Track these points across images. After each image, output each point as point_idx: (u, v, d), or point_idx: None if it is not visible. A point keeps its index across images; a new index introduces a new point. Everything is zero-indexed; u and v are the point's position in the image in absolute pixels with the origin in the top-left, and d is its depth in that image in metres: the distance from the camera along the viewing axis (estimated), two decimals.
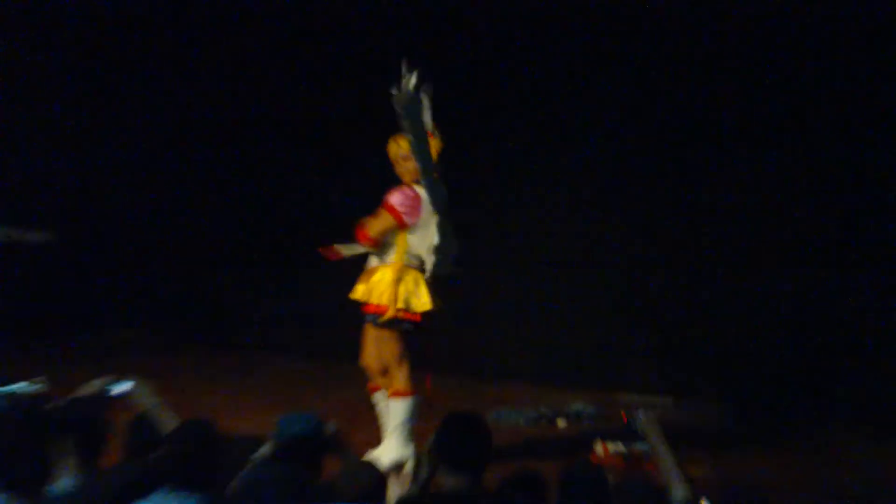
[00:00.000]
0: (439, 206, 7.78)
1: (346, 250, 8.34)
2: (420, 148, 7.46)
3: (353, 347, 9.26)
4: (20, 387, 5.08)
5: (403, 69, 7.18)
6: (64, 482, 4.11)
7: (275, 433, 5.45)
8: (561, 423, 9.88)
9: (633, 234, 10.88)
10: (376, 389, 8.42)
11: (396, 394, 8.27)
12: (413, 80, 7.15)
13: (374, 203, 8.17)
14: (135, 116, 12.87)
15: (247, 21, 12.30)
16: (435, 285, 8.17)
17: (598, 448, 8.74)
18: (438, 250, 7.96)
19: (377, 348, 8.28)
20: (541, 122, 11.09)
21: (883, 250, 10.12)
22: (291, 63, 12.10)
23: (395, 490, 6.49)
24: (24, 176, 12.41)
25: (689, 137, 10.63)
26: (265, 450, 5.47)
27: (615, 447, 8.67)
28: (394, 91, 7.11)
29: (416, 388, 8.27)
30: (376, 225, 8.05)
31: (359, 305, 8.18)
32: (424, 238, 8.05)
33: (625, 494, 4.69)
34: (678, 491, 5.31)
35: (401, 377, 8.25)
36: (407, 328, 8.14)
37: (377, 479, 5.33)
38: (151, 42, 12.78)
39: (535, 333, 10.99)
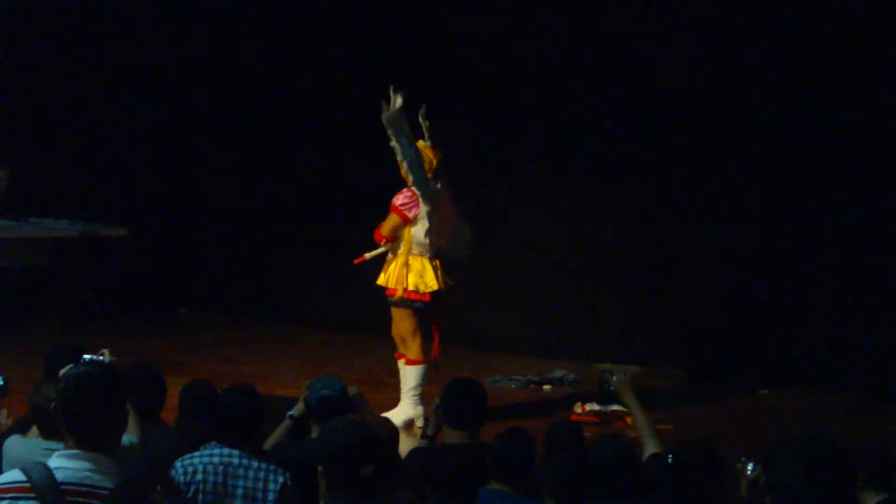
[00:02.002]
0: (427, 199, 8.18)
1: (370, 255, 8.57)
2: (405, 154, 8.03)
3: (374, 323, 9.24)
4: (94, 357, 5.01)
5: (391, 92, 7.90)
6: (125, 438, 4.06)
7: (306, 395, 5.41)
8: (546, 387, 9.84)
9: (608, 230, 10.81)
10: (401, 357, 8.49)
11: (410, 362, 8.39)
12: (398, 102, 7.88)
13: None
14: (191, 112, 12.63)
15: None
16: (448, 268, 8.42)
17: (578, 408, 8.71)
18: (430, 234, 8.25)
19: (395, 324, 8.44)
20: (530, 132, 10.98)
21: (802, 249, 10.20)
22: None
23: (407, 443, 6.46)
24: (98, 177, 12.29)
25: (659, 135, 10.51)
26: (298, 409, 5.42)
27: (592, 408, 8.64)
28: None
29: (427, 358, 8.38)
30: (386, 225, 8.37)
31: (383, 290, 8.42)
32: (425, 227, 8.29)
33: (599, 447, 4.66)
34: (650, 443, 5.24)
35: (414, 348, 8.37)
36: (418, 307, 8.29)
37: (392, 433, 5.28)
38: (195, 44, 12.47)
39: (526, 312, 10.92)
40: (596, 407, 8.69)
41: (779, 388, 9.99)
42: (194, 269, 12.76)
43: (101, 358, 4.75)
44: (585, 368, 10.26)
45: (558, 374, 10.04)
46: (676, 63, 10.40)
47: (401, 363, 8.44)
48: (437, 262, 8.36)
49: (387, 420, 5.64)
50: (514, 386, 9.77)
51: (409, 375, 8.34)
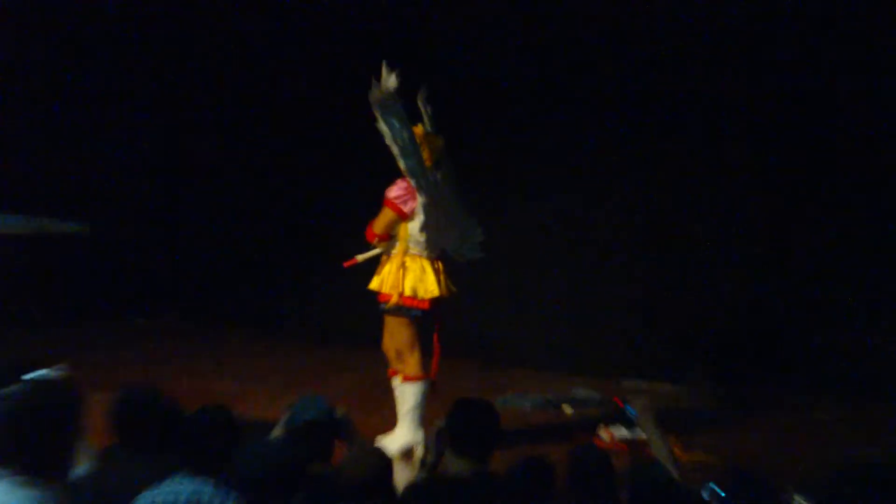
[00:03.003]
0: (423, 189, 7.90)
1: (362, 256, 8.30)
2: (395, 137, 7.67)
3: (367, 334, 9.21)
4: (42, 374, 4.97)
5: (384, 69, 7.51)
6: (80, 468, 4.00)
7: (287, 417, 5.36)
8: (567, 408, 9.76)
9: (632, 237, 10.92)
10: (394, 374, 8.33)
11: (407, 378, 8.22)
12: (392, 80, 7.47)
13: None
14: (161, 112, 12.79)
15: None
16: (450, 273, 8.25)
17: (603, 433, 8.66)
18: (427, 229, 8.01)
19: (389, 334, 8.22)
20: (548, 133, 11.07)
21: (843, 256, 10.40)
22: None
23: (404, 475, 6.41)
24: (55, 170, 12.32)
25: (677, 139, 10.66)
26: (277, 433, 5.37)
27: (619, 433, 8.58)
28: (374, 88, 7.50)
29: (427, 374, 8.25)
30: (380, 221, 8.09)
31: (374, 296, 8.21)
32: (422, 222, 8.06)
33: (636, 480, 4.62)
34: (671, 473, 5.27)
35: (412, 362, 8.21)
36: (416, 315, 8.09)
37: (383, 465, 5.17)
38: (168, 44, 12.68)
39: (542, 322, 10.96)
40: (623, 431, 8.64)
41: (823, 406, 10.02)
42: (154, 275, 12.81)
43: (49, 375, 4.71)
44: (610, 386, 10.24)
45: (579, 393, 9.99)
46: (677, 63, 10.67)
47: (396, 380, 8.27)
48: (440, 265, 8.17)
49: (377, 449, 5.56)
50: (528, 406, 9.72)
51: (407, 394, 8.15)
